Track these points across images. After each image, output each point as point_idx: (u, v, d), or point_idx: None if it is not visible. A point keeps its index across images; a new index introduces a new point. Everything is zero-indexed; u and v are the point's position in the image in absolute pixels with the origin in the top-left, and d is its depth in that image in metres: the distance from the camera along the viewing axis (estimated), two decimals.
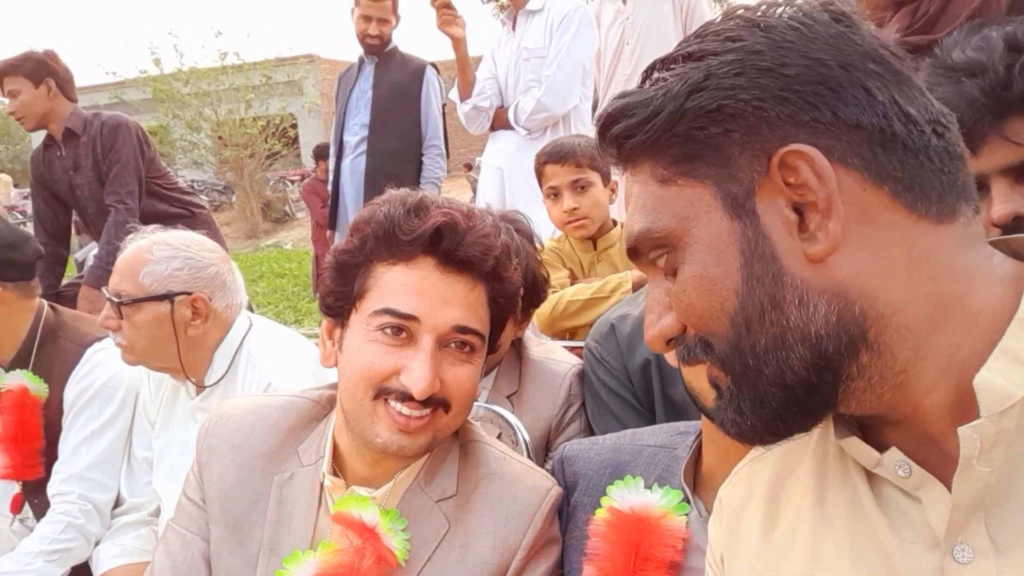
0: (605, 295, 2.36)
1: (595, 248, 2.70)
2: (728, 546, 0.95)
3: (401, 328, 1.23)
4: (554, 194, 2.67)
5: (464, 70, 4.04)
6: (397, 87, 4.52)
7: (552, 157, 2.68)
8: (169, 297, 1.98)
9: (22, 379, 2.29)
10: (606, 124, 0.81)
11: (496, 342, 1.38)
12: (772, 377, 0.74)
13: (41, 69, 3.83)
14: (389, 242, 1.25)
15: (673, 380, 1.69)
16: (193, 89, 18.31)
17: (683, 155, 0.76)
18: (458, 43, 3.96)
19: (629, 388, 1.79)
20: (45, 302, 2.43)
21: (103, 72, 19.71)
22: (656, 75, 0.78)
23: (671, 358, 0.88)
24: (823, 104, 0.70)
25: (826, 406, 0.76)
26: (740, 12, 0.77)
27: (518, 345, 1.97)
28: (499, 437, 1.64)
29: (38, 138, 4.13)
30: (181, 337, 2.01)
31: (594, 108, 4.36)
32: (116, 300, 1.98)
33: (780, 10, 0.75)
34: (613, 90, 4.43)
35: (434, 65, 4.64)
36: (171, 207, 4.10)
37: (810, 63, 0.71)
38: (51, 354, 2.33)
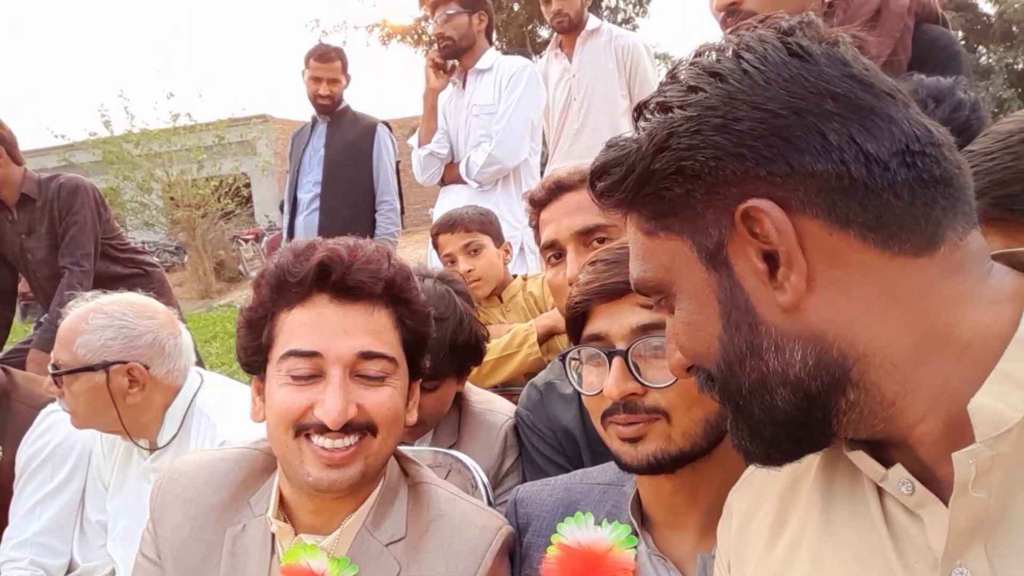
0: (514, 350, 2.43)
1: (501, 301, 2.86)
2: (735, 552, 0.97)
3: (308, 366, 1.27)
4: (450, 260, 2.86)
5: (430, 118, 4.18)
6: (349, 145, 4.60)
7: (443, 227, 2.91)
8: (104, 367, 1.96)
9: None
10: (592, 180, 0.85)
11: (421, 362, 1.42)
12: (761, 415, 0.79)
13: None
14: (282, 289, 1.31)
15: (596, 442, 1.69)
16: (144, 151, 18.16)
17: (657, 212, 0.79)
18: (431, 92, 4.15)
19: (562, 453, 1.83)
20: None
21: (51, 135, 19.30)
22: (639, 122, 0.80)
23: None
24: (778, 156, 0.71)
25: (823, 435, 0.79)
26: (705, 52, 0.78)
27: (459, 397, 2.01)
28: (446, 477, 1.67)
29: None
30: (120, 405, 1.99)
31: (543, 162, 4.48)
32: (52, 371, 1.98)
33: (737, 50, 0.76)
34: (562, 144, 4.57)
35: (386, 123, 4.74)
36: (124, 268, 4.08)
37: (762, 115, 0.71)
38: (3, 417, 2.31)
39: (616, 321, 1.22)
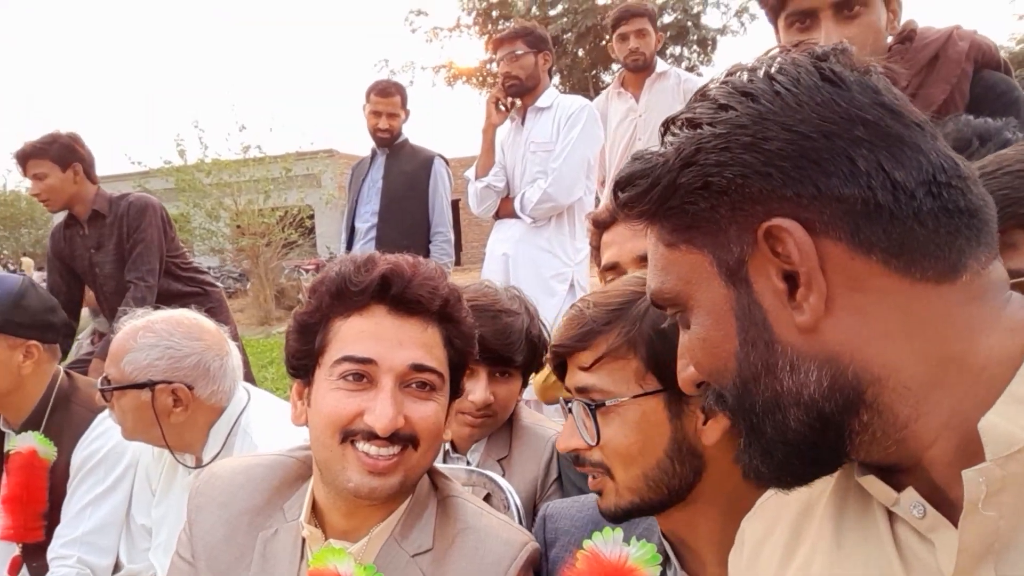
0: None
1: None
2: None
3: (361, 373, 1.30)
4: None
5: (488, 152, 4.27)
6: (406, 177, 4.71)
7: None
8: (149, 386, 1.98)
9: (32, 441, 2.36)
10: (615, 190, 0.86)
11: (460, 385, 1.45)
12: (773, 434, 0.78)
13: (68, 153, 3.98)
14: (342, 296, 1.35)
15: None
16: (215, 180, 18.65)
17: (680, 225, 0.80)
18: (491, 127, 4.26)
19: None
20: (61, 367, 2.53)
21: (129, 161, 19.99)
22: (667, 136, 0.81)
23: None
24: (805, 178, 0.71)
25: (835, 458, 0.79)
26: (737, 72, 0.79)
27: (512, 416, 2.04)
28: (487, 499, 1.68)
29: (60, 219, 4.29)
30: (164, 423, 2.00)
31: (597, 201, 4.51)
32: (100, 386, 2.03)
33: (770, 71, 0.76)
34: None
35: (443, 157, 4.84)
36: (185, 286, 4.24)
37: (791, 136, 0.72)
38: (62, 418, 2.40)
39: (570, 378, 1.28)
